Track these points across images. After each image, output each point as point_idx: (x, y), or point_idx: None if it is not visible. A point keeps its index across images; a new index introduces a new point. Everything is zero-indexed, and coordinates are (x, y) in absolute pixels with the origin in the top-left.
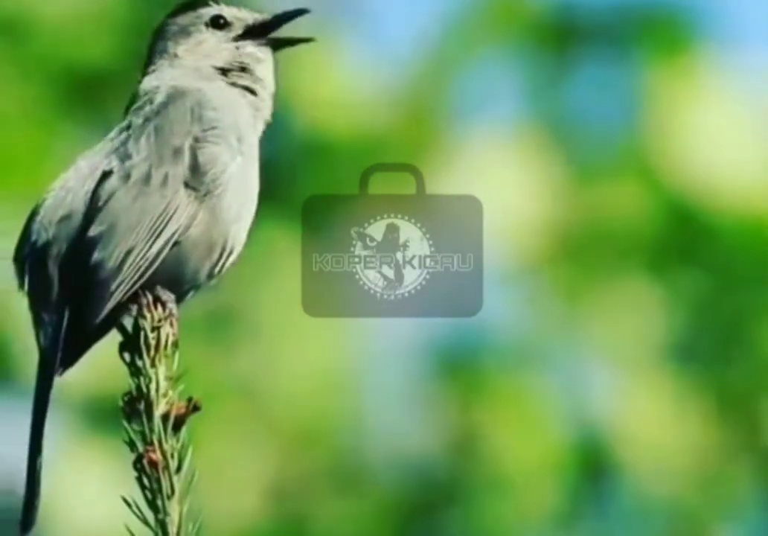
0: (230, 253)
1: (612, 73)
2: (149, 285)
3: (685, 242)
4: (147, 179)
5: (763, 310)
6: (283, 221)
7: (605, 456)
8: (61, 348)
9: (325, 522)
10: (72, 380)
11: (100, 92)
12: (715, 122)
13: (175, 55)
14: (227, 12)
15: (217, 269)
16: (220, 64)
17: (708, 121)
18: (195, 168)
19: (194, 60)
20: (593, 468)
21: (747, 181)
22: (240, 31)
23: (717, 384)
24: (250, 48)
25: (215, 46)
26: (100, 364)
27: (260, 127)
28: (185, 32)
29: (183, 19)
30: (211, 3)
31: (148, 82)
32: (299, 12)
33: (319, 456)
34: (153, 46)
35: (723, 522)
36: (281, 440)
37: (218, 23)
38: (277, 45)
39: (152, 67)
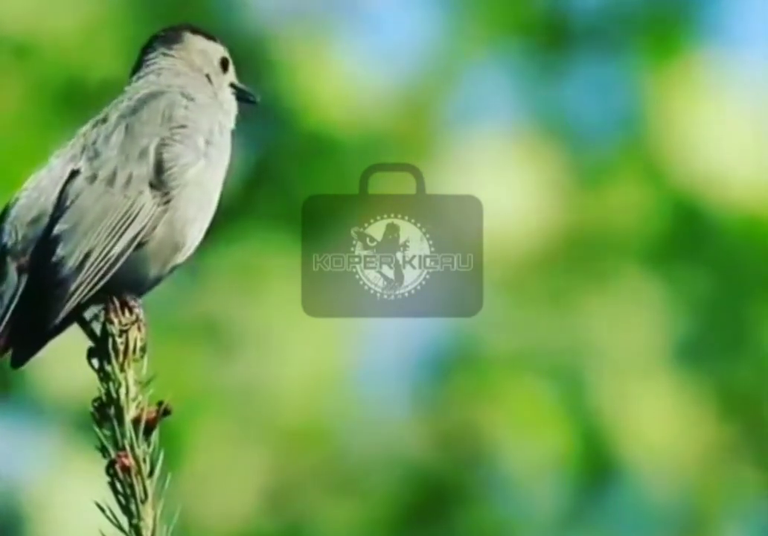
0: (185, 253)
1: (612, 72)
2: (114, 287)
3: (688, 240)
4: (112, 179)
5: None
6: (283, 221)
7: (607, 456)
8: (12, 344)
9: (324, 524)
10: (60, 386)
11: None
12: (715, 121)
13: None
14: (228, 57)
15: (169, 269)
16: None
17: (708, 119)
18: (159, 167)
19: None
20: (594, 469)
21: (749, 179)
22: (228, 83)
23: (721, 383)
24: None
25: (219, 85)
26: (83, 370)
27: (227, 136)
28: (204, 55)
29: (200, 44)
30: (218, 41)
31: (141, 84)
32: (251, 101)
33: (318, 457)
34: (146, 57)
35: (727, 522)
36: (280, 440)
37: (225, 66)
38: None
39: (154, 68)
